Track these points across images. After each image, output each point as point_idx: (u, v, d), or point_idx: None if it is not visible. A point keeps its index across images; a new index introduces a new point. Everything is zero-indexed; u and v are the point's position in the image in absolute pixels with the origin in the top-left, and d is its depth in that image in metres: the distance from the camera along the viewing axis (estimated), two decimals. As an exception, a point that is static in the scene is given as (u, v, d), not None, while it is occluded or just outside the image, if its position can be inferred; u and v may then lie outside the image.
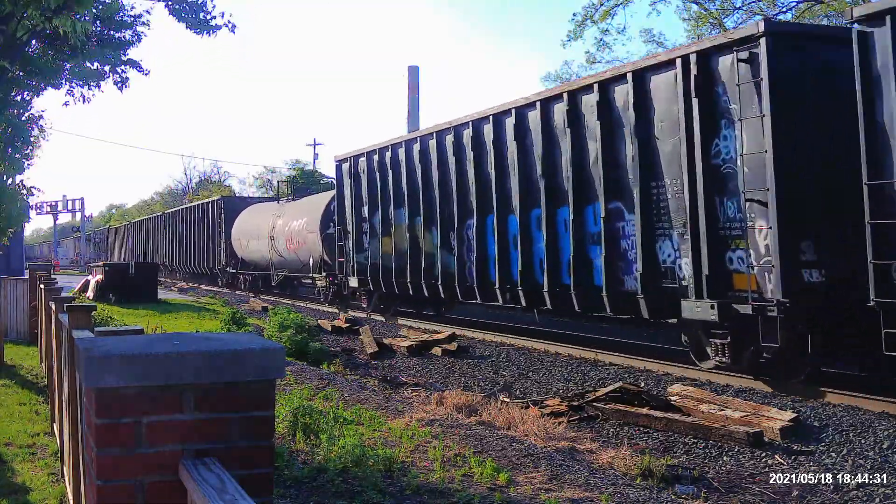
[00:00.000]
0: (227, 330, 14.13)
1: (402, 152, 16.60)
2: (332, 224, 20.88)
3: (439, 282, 15.12)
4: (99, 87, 9.83)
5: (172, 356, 1.86)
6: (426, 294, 15.87)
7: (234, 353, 1.91)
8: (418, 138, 16.06)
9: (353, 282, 18.81)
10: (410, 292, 16.41)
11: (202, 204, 37.32)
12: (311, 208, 23.35)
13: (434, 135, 15.35)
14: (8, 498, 5.11)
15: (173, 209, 47.09)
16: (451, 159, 14.78)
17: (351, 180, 19.12)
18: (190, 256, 38.35)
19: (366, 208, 18.34)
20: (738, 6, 23.26)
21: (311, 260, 22.49)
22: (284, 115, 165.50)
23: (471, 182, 14.18)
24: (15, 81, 8.68)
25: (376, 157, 17.76)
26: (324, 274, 21.72)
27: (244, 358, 1.92)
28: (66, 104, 9.83)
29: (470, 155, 14.17)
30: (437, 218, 15.21)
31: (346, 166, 19.69)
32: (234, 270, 31.34)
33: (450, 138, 14.79)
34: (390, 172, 17.04)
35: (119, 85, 9.86)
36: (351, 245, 19.00)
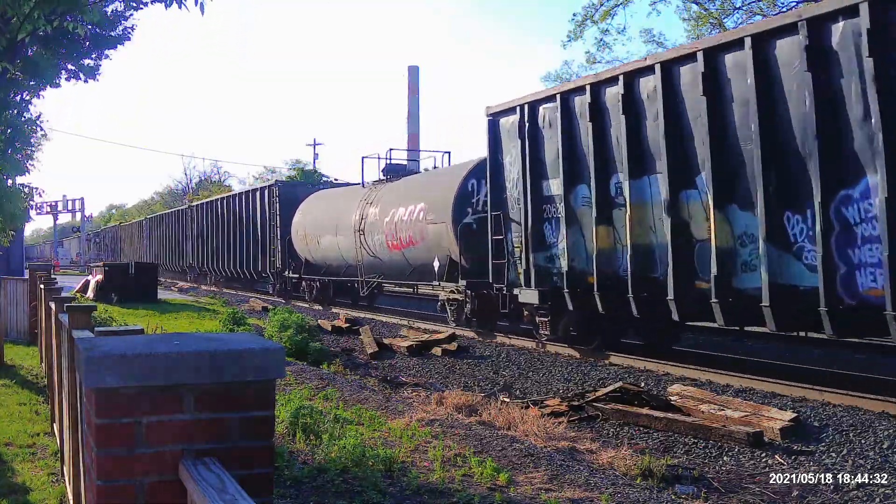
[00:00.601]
0: (228, 330, 14.14)
1: (648, 85, 10.21)
2: (470, 210, 15.09)
3: (766, 301, 8.51)
4: (95, 77, 9.81)
5: (172, 356, 1.86)
6: (722, 320, 9.19)
7: (234, 353, 1.91)
8: (700, 53, 9.33)
9: (529, 295, 12.42)
10: (675, 316, 9.83)
11: (248, 192, 30.12)
12: (433, 190, 16.70)
13: (746, 42, 8.65)
14: (8, 498, 5.12)
15: (204, 200, 39.58)
16: (801, 79, 8.17)
17: (522, 142, 12.67)
18: (228, 257, 31.50)
19: (553, 182, 12.04)
20: (738, 6, 23.29)
21: (436, 262, 15.86)
22: (284, 115, 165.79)
23: (858, 115, 7.65)
24: (14, 82, 8.68)
25: (583, 99, 11.30)
26: (463, 282, 14.73)
27: (244, 358, 1.92)
28: (68, 78, 9.73)
29: (862, 65, 7.54)
30: (755, 188, 8.65)
31: (508, 122, 13.29)
32: (294, 275, 24.36)
33: (788, 45, 8.34)
34: (621, 120, 10.52)
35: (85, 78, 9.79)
36: (521, 239, 12.76)
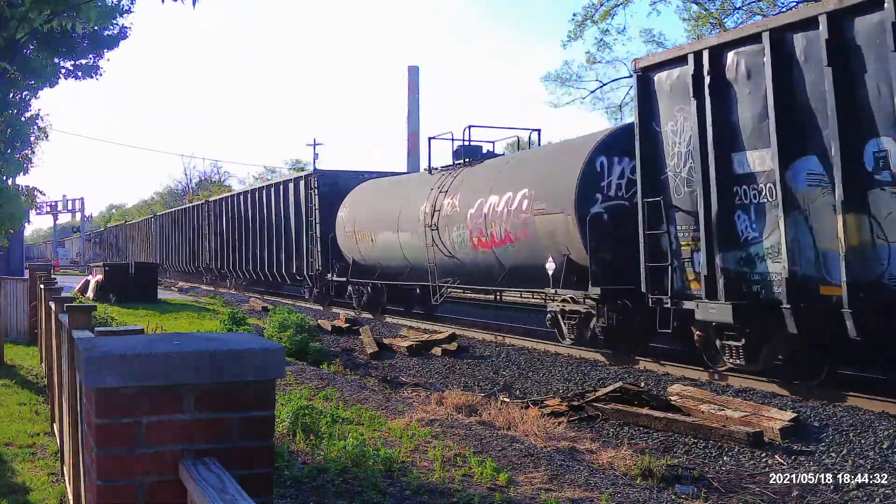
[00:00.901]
0: (228, 330, 14.14)
1: None
2: (598, 197, 11.75)
3: None
4: (94, 76, 9.83)
5: (172, 356, 1.86)
6: None
7: (234, 353, 1.91)
8: None
9: (715, 311, 9.20)
10: None
11: (279, 184, 26.41)
12: (544, 172, 13.16)
13: None
14: (8, 498, 5.12)
15: (224, 195, 36.17)
16: None
17: (698, 101, 9.53)
18: (254, 258, 28.21)
19: (753, 154, 8.90)
20: (738, 6, 23.30)
21: (550, 263, 12.43)
22: (284, 115, 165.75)
23: None
24: (14, 82, 8.68)
25: (813, 36, 8.21)
26: (595, 290, 11.36)
27: (244, 358, 1.92)
28: (66, 76, 9.75)
29: None
30: None
31: (672, 77, 10.08)
32: (340, 279, 20.78)
33: None
34: (891, 60, 7.48)
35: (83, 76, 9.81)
36: (693, 234, 9.73)
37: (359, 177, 22.78)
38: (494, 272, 14.61)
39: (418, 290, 18.22)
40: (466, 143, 16.94)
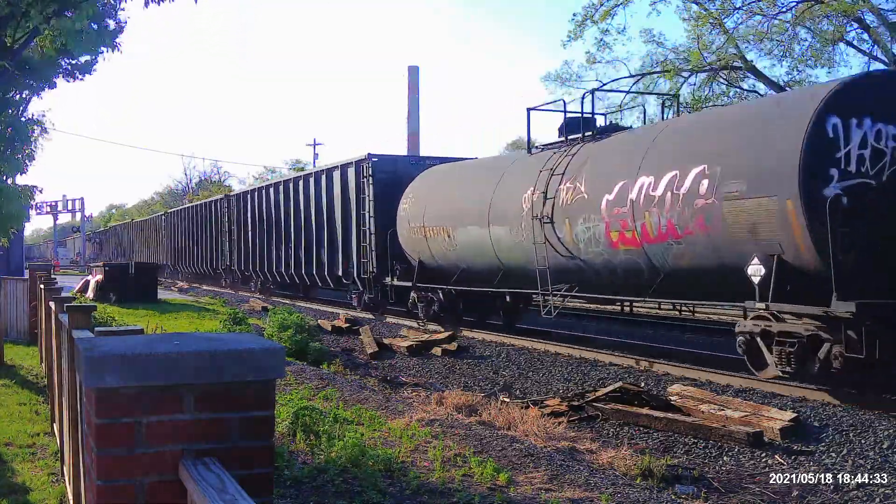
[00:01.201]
0: (228, 330, 14.14)
1: None
2: (835, 173, 8.32)
3: None
4: (90, 72, 9.85)
5: (172, 356, 1.86)
6: None
7: (234, 353, 1.92)
8: None
9: None
10: None
11: (319, 173, 22.56)
12: (735, 140, 9.47)
13: None
14: (8, 498, 5.12)
15: (251, 188, 31.59)
16: None
17: None
18: (287, 258, 24.64)
19: None
20: (738, 6, 23.28)
21: (754, 266, 8.86)
22: (284, 115, 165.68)
23: None
24: (13, 81, 8.69)
25: None
26: (848, 305, 7.83)
27: (244, 358, 1.92)
28: (66, 77, 9.79)
29: None
30: None
31: None
32: (404, 283, 17.06)
33: None
34: None
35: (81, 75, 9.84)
36: None
37: (421, 163, 19.14)
38: (641, 278, 10.97)
39: (508, 298, 15.05)
40: (586, 114, 13.21)
